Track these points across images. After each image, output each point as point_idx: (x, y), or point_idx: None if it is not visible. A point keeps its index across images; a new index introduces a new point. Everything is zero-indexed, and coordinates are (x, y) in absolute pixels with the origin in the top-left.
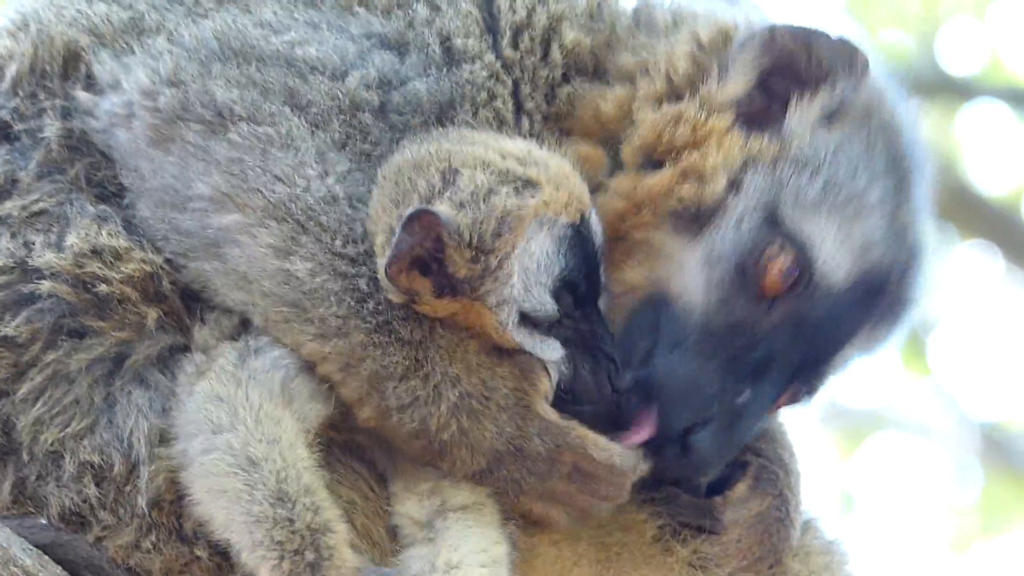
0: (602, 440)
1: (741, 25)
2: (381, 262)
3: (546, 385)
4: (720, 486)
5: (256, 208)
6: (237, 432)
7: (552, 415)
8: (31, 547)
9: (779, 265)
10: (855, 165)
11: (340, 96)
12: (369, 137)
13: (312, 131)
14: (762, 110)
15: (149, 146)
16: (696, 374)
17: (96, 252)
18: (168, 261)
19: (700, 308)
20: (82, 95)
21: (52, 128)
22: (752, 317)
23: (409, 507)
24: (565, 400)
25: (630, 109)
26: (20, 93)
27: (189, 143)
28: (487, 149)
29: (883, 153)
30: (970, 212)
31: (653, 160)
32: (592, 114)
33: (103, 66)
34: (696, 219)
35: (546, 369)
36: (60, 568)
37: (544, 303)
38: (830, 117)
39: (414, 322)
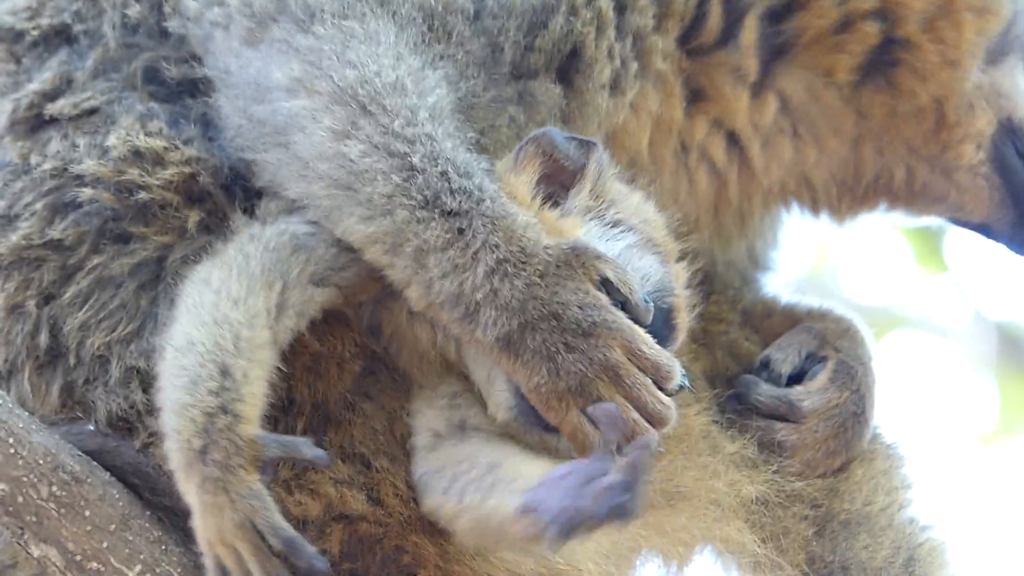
0: (651, 339)
1: None
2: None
3: (604, 272)
4: (799, 378)
5: (324, 92)
6: (192, 315)
7: (603, 298)
8: (79, 453)
9: None
10: None
11: (434, 2)
12: (453, 39)
13: (397, 32)
14: None
15: (241, 45)
16: None
17: (137, 155)
18: (211, 155)
19: None
20: (191, 3)
21: (110, 26)
22: None
23: (429, 418)
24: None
25: None
26: None
27: (277, 40)
28: None
29: None
30: None
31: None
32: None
33: None
34: (1000, 41)
35: (610, 264)
36: (108, 474)
37: (633, 284)
38: None
39: (463, 194)
